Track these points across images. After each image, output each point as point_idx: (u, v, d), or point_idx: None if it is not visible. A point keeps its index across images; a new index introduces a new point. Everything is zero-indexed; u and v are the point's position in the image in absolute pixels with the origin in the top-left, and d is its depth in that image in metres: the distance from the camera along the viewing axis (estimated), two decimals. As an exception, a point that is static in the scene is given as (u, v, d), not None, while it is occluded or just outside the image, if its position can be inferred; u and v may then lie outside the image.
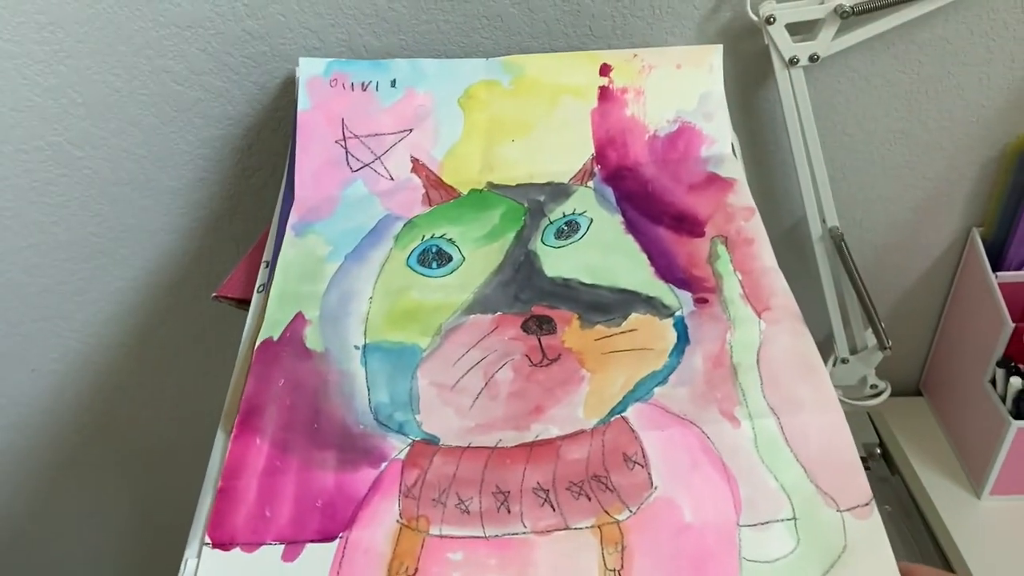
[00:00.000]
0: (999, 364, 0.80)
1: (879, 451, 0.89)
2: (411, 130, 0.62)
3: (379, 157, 0.62)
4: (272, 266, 0.56)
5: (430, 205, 0.60)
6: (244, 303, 0.59)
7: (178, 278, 0.85)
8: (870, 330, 0.84)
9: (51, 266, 0.82)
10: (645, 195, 0.60)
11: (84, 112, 0.73)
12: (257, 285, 0.57)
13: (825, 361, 0.88)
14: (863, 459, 0.87)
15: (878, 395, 0.88)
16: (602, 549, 0.42)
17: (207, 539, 0.43)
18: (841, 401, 0.87)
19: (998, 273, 0.81)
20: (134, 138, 0.75)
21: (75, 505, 1.03)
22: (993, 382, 0.81)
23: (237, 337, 0.54)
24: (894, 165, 0.82)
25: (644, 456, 0.45)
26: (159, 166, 0.77)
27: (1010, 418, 0.77)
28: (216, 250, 0.83)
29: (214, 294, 0.59)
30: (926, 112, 0.79)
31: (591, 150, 0.62)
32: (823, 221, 0.79)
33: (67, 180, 0.77)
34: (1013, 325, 0.77)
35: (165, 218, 0.81)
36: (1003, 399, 0.79)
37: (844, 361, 0.87)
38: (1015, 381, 0.78)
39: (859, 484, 0.43)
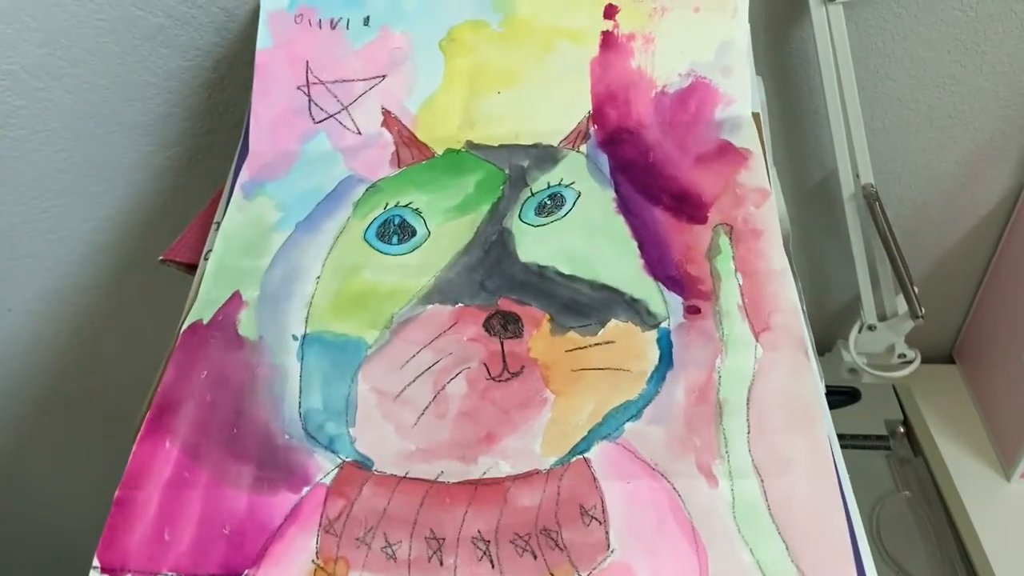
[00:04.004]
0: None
1: (902, 430, 0.82)
2: (384, 76, 0.55)
3: (346, 107, 0.54)
4: None
5: (399, 166, 0.53)
6: (194, 268, 0.53)
7: (154, 217, 0.80)
8: (902, 295, 0.76)
9: (19, 203, 0.78)
10: (645, 166, 0.52)
11: (40, 39, 0.67)
12: (205, 251, 0.51)
13: (851, 327, 0.82)
14: (885, 437, 0.82)
15: (906, 364, 0.81)
16: None
17: (96, 562, 0.39)
18: (865, 372, 0.82)
19: (1051, 237, 0.73)
20: (94, 68, 0.69)
21: (56, 449, 1.02)
22: (1034, 355, 0.74)
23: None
24: (941, 115, 0.74)
25: (604, 511, 0.39)
26: (123, 99, 0.71)
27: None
28: (192, 190, 0.78)
29: (160, 257, 0.53)
30: (983, 55, 0.70)
31: (588, 107, 0.54)
32: (856, 177, 0.71)
33: (27, 112, 0.71)
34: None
35: (135, 155, 0.75)
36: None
37: (871, 328, 0.80)
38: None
39: (847, 573, 0.37)
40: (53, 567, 1.16)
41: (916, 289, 0.70)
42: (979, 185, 0.79)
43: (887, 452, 0.81)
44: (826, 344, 0.88)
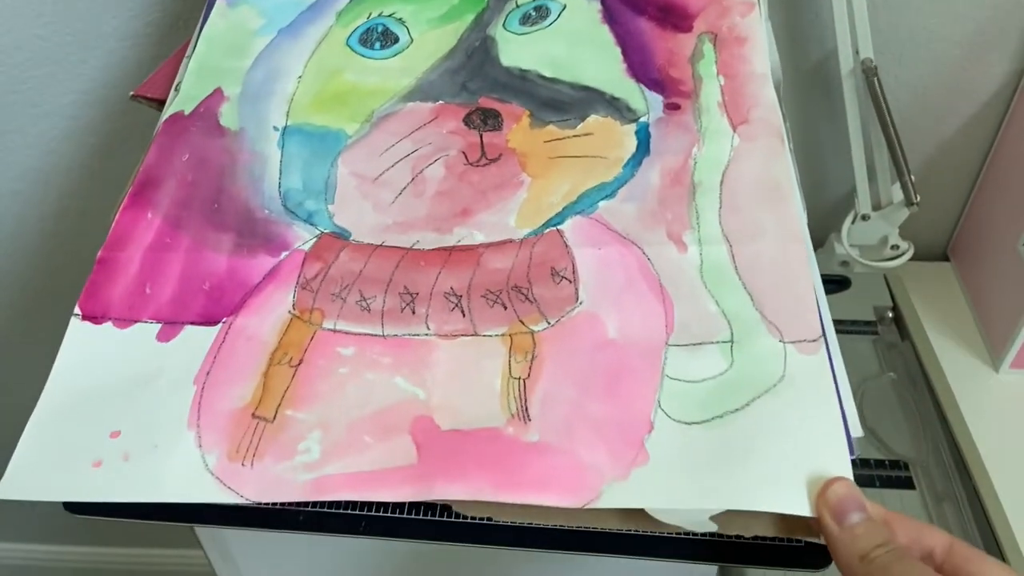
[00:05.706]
0: (1040, 223, 0.71)
1: (891, 315, 0.81)
2: None
3: (331, -76, 0.54)
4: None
5: (384, -19, 0.52)
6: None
7: (136, 92, 0.78)
8: (897, 185, 0.75)
9: (-3, 72, 0.76)
10: (632, -18, 0.51)
11: None
12: (175, 83, 0.50)
13: (844, 217, 0.81)
14: (872, 323, 0.81)
15: (899, 256, 0.80)
16: (510, 357, 0.37)
17: (77, 310, 0.40)
18: (857, 263, 0.80)
19: (1051, 120, 0.72)
20: (69, -81, 0.67)
21: (43, 339, 0.99)
22: (1030, 245, 0.73)
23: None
24: (944, -13, 0.72)
25: (574, 272, 0.40)
26: (99, -43, 0.69)
27: (1045, 283, 0.69)
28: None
29: (132, 93, 0.52)
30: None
31: (577, -73, 0.53)
32: (856, 52, 0.69)
33: (-1, -29, 0.69)
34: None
35: (114, 21, 0.73)
36: (1040, 264, 0.71)
37: (865, 218, 0.79)
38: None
39: (809, 319, 0.37)
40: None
41: (912, 178, 0.69)
42: (981, 69, 0.77)
43: (874, 337, 0.80)
44: (820, 239, 0.87)
